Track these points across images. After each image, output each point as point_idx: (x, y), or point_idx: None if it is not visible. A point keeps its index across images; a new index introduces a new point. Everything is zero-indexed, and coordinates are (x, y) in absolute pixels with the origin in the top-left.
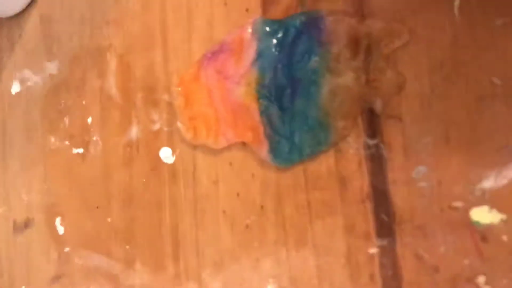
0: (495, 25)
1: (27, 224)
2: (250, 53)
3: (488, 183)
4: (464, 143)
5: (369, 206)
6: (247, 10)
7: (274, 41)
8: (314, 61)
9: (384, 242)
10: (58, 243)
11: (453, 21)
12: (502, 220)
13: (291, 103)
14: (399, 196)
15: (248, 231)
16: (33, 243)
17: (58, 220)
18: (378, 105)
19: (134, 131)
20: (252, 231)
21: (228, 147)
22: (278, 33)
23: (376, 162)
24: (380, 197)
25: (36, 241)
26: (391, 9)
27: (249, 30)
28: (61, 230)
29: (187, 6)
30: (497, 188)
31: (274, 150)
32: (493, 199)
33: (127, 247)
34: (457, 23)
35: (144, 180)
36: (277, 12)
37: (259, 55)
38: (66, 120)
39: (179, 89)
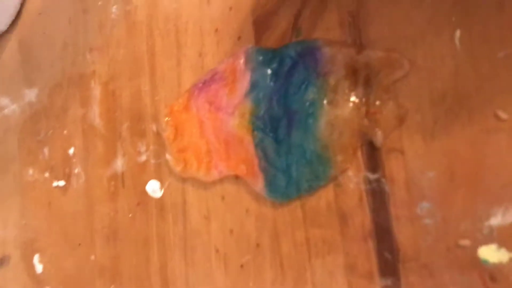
0: (497, 57)
1: (2, 261)
2: (244, 83)
3: (496, 220)
4: (469, 177)
5: (371, 243)
6: (239, 38)
7: (269, 71)
8: (311, 92)
9: (388, 281)
10: (36, 282)
11: (454, 52)
12: (511, 259)
13: (287, 135)
14: (403, 233)
15: (243, 270)
16: (9, 282)
17: (36, 258)
18: (378, 138)
19: (119, 163)
20: (247, 270)
21: (220, 180)
22: (273, 63)
23: (378, 198)
24: (383, 234)
25: (12, 280)
26: (390, 39)
27: (242, 60)
28: (39, 268)
29: (175, 33)
30: (505, 226)
31: (270, 184)
32: (501, 237)
33: (112, 287)
34: (458, 54)
35: (130, 215)
36: (271, 40)
37: (253, 85)
38: (46, 150)
39: (168, 119)
